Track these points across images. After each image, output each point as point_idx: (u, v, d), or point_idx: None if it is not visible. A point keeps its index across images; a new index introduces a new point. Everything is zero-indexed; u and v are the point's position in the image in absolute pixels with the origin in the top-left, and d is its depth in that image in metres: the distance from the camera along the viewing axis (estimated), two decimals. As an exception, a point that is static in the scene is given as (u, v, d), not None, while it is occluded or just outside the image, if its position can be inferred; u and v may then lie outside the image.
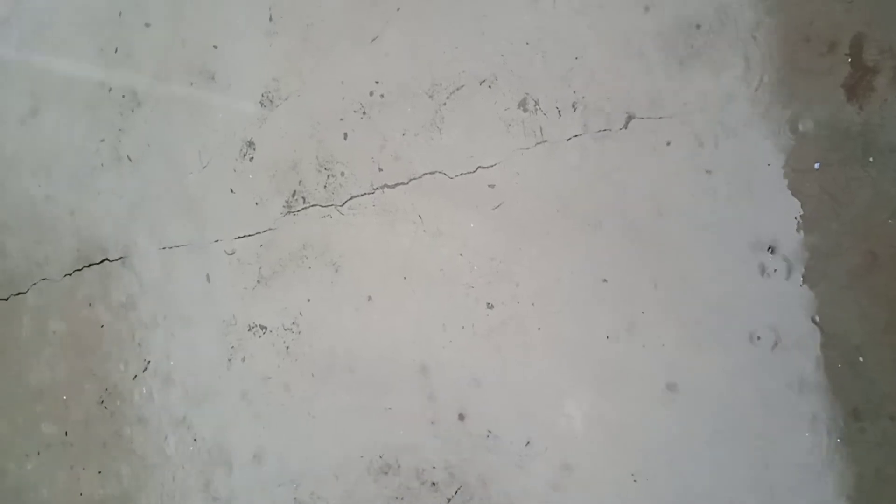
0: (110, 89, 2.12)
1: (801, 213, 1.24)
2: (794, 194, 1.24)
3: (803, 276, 1.24)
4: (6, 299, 2.25)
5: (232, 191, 1.85)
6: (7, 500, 2.23)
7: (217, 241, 1.86)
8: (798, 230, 1.24)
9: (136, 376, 2.00)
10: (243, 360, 1.82)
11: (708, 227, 1.31)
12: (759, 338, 1.28)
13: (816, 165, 1.22)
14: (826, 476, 1.22)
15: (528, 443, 1.48)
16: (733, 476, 1.29)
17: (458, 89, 1.57)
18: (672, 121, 1.35)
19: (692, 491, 1.32)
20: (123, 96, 2.09)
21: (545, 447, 1.47)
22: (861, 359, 1.19)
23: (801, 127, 1.24)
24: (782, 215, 1.26)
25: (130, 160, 2.08)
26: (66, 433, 2.12)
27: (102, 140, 2.16)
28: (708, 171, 1.31)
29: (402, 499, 1.61)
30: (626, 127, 1.38)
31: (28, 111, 2.32)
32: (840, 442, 1.21)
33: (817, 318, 1.22)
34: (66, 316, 2.14)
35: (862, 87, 1.20)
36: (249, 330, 1.81)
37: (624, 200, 1.40)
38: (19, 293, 2.23)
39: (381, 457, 1.63)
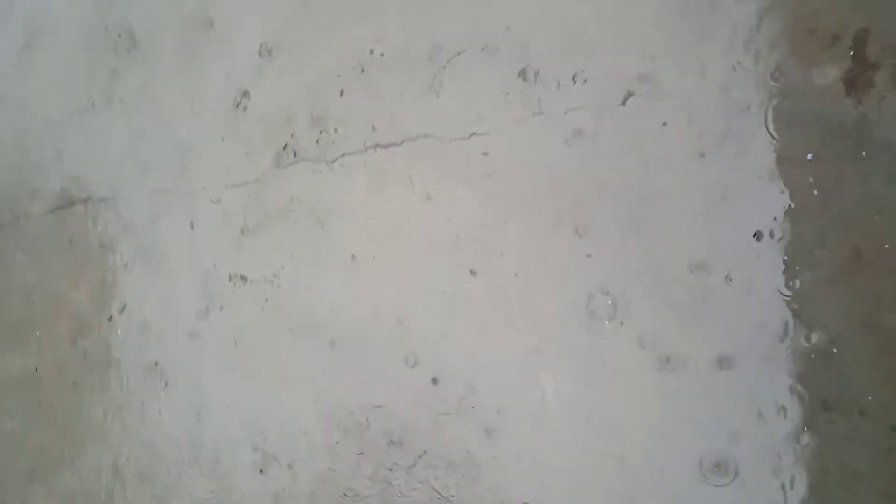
0: (106, 28, 2.09)
1: (790, 203, 1.24)
2: (784, 184, 1.25)
3: (786, 265, 1.24)
4: (-14, 231, 2.23)
5: (223, 139, 1.83)
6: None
7: (204, 188, 1.84)
8: (785, 220, 1.24)
9: (111, 317, 1.98)
10: (221, 309, 1.81)
11: (697, 211, 1.31)
12: (737, 324, 1.28)
13: (809, 156, 1.22)
14: (791, 463, 1.23)
15: (499, 411, 1.48)
16: (698, 457, 1.30)
17: (458, 54, 1.55)
18: (670, 102, 1.34)
19: (668, 471, 1.33)
20: (119, 35, 2.05)
21: (516, 416, 1.47)
22: (835, 351, 1.20)
23: (797, 117, 1.24)
24: (771, 204, 1.26)
25: (122, 102, 2.05)
26: (37, 369, 2.10)
27: (94, 80, 2.13)
28: (702, 154, 1.31)
29: (368, 456, 1.61)
30: (623, 104, 1.38)
31: (22, 45, 2.28)
32: (807, 431, 1.22)
33: (796, 308, 1.23)
34: (45, 253, 2.11)
35: (862, 82, 1.20)
36: (230, 280, 1.80)
37: (615, 178, 1.40)
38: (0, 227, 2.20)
39: (351, 413, 1.63)
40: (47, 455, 2.10)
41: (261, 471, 1.74)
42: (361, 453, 1.62)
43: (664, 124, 1.34)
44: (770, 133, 1.26)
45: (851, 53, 1.20)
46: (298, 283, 1.72)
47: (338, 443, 1.65)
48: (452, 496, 1.54)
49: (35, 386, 2.11)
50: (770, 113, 1.26)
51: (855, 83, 1.20)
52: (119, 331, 1.98)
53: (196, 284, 1.86)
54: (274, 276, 1.75)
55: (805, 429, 1.22)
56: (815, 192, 1.22)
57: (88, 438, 2.02)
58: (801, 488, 1.22)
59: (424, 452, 1.55)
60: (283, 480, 1.71)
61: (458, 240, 1.54)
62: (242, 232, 1.79)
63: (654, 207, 1.35)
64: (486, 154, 1.51)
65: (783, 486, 1.23)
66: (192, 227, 1.86)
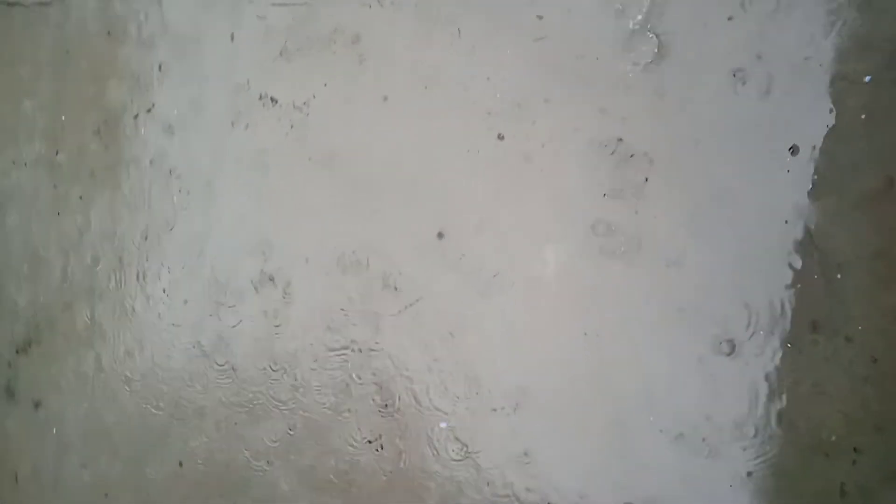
0: None
1: (834, 123, 1.22)
2: (834, 102, 1.22)
3: (814, 184, 1.23)
4: (27, 6, 2.21)
5: (277, -44, 1.79)
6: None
7: (251, 1, 1.81)
8: (826, 139, 1.22)
9: (137, 115, 1.99)
10: (246, 127, 1.81)
11: (741, 114, 1.29)
12: (747, 235, 1.28)
13: (867, 79, 1.19)
14: (766, 373, 1.26)
15: (497, 274, 1.51)
16: (682, 354, 1.33)
17: None
18: None
19: (640, 349, 1.36)
20: None
21: (512, 283, 1.50)
22: (839, 276, 1.20)
23: (864, 36, 1.19)
24: (815, 121, 1.23)
25: None
26: (57, 153, 2.13)
27: None
28: (759, 57, 1.27)
29: (362, 296, 1.65)
30: None
31: None
32: (790, 347, 1.24)
33: (812, 228, 1.22)
34: (83, 40, 2.10)
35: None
36: (260, 99, 1.80)
37: (662, 76, 1.36)
38: (42, 3, 2.18)
39: (353, 252, 1.66)
40: (56, 240, 2.16)
41: (255, 289, 1.78)
42: (356, 291, 1.66)
43: (729, 18, 1.30)
44: (832, 45, 1.22)
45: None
46: (326, 115, 1.71)
47: (335, 277, 1.68)
48: (436, 359, 1.58)
49: (53, 168, 2.15)
50: (837, 26, 1.22)
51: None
52: (143, 130, 1.99)
53: (226, 98, 1.85)
54: (304, 103, 1.74)
55: (788, 344, 1.24)
56: (863, 116, 1.19)
57: (89, 227, 2.07)
58: (772, 395, 1.26)
59: (417, 300, 1.58)
60: (275, 302, 1.76)
61: (494, 100, 1.52)
62: (281, 54, 1.77)
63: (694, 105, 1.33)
64: (540, 18, 1.47)
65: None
66: (232, 40, 1.84)
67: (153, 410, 1.94)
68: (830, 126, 1.21)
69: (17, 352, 2.22)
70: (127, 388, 1.99)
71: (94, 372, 2.05)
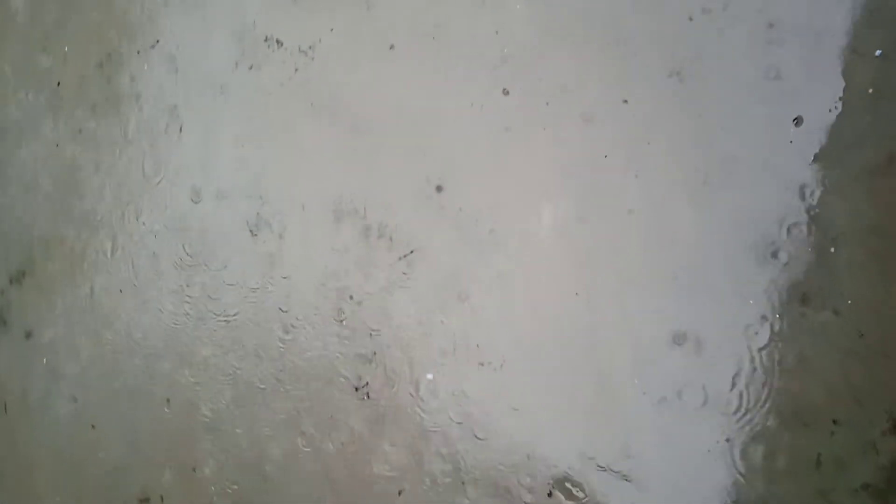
0: None
1: (841, 95, 1.21)
2: (842, 74, 1.21)
3: (815, 157, 1.22)
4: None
5: None
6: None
7: (261, -61, 1.78)
8: (830, 111, 1.21)
9: (140, 51, 1.97)
10: (250, 68, 1.80)
11: (747, 82, 1.28)
12: (745, 204, 1.28)
13: (878, 53, 1.18)
14: (751, 343, 1.27)
15: (493, 230, 1.51)
16: (671, 320, 1.34)
17: None
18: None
19: (630, 312, 1.37)
20: None
21: (507, 239, 1.50)
22: (832, 250, 1.21)
23: (876, 8, 1.18)
24: (822, 93, 1.22)
25: None
26: (59, 84, 2.11)
27: None
28: (770, 25, 1.26)
29: (357, 245, 1.65)
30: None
31: None
32: (777, 318, 1.25)
33: (810, 199, 1.22)
34: (88, -30, 2.07)
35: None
36: (265, 41, 1.78)
37: (672, 31, 1.35)
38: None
39: (351, 200, 1.66)
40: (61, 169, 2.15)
41: (252, 232, 1.78)
42: (351, 240, 1.66)
43: (743, -16, 1.29)
44: (845, 19, 1.21)
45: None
46: (331, 61, 1.69)
47: (330, 224, 1.68)
48: (426, 312, 1.58)
49: (54, 100, 2.13)
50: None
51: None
52: (146, 66, 1.97)
53: (231, 38, 1.83)
54: (309, 47, 1.72)
55: (777, 315, 1.25)
56: (870, 91, 1.19)
57: (88, 159, 2.06)
58: (755, 364, 1.27)
59: (411, 252, 1.59)
60: (271, 246, 1.76)
61: (502, 55, 1.51)
62: (288, -5, 1.75)
63: (706, 67, 1.32)
64: (553, -27, 1.45)
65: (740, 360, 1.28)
66: (240, -21, 1.82)
67: (142, 347, 1.95)
68: (836, 99, 1.20)
69: (10, 281, 2.23)
70: (117, 323, 2.00)
71: (86, 305, 2.05)
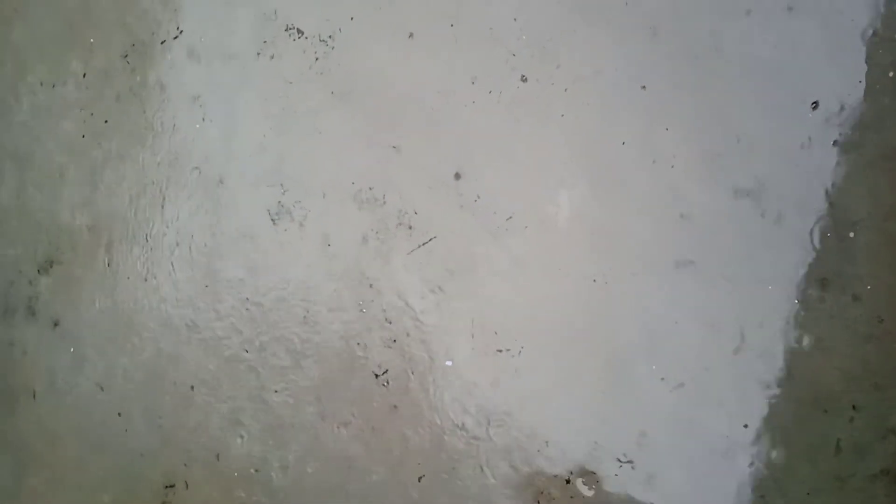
0: None
1: (862, 80, 1.20)
2: (865, 59, 1.20)
3: (835, 142, 1.22)
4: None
5: None
6: (11, 134, 2.30)
7: (282, -70, 1.80)
8: (850, 95, 1.20)
9: (164, 41, 2.00)
10: (271, 57, 1.82)
11: (766, 66, 1.27)
12: (763, 188, 1.27)
13: (899, 36, 1.17)
14: (772, 328, 1.27)
15: (510, 217, 1.51)
16: (688, 306, 1.34)
17: None
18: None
19: (647, 299, 1.37)
20: None
21: (525, 226, 1.50)
22: (852, 235, 1.20)
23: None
24: (844, 76, 1.22)
25: None
26: (84, 75, 2.15)
27: None
28: (790, 9, 1.25)
29: (376, 233, 1.67)
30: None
31: None
32: (796, 303, 1.24)
33: (829, 184, 1.22)
34: (113, -37, 2.10)
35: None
36: (286, 30, 1.79)
37: (690, 15, 1.35)
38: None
39: (370, 188, 1.67)
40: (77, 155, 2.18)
41: (273, 221, 1.80)
42: (371, 228, 1.68)
43: (763, -32, 1.28)
44: (870, 3, 1.20)
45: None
46: (351, 49, 1.71)
47: (351, 212, 1.69)
48: (446, 299, 1.60)
49: (79, 91, 2.16)
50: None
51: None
52: (169, 56, 2.00)
53: (253, 27, 1.85)
54: (330, 36, 1.74)
55: (795, 300, 1.24)
56: (891, 75, 1.18)
57: (110, 153, 2.09)
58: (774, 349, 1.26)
59: (430, 239, 1.60)
60: (292, 235, 1.78)
61: (520, 42, 1.51)
62: (309, -15, 1.76)
63: (723, 52, 1.31)
64: (572, -41, 1.45)
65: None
66: (261, -31, 1.84)
67: (168, 335, 1.98)
68: (856, 82, 1.20)
69: (38, 271, 2.27)
70: (143, 311, 2.03)
71: (112, 294, 2.09)
